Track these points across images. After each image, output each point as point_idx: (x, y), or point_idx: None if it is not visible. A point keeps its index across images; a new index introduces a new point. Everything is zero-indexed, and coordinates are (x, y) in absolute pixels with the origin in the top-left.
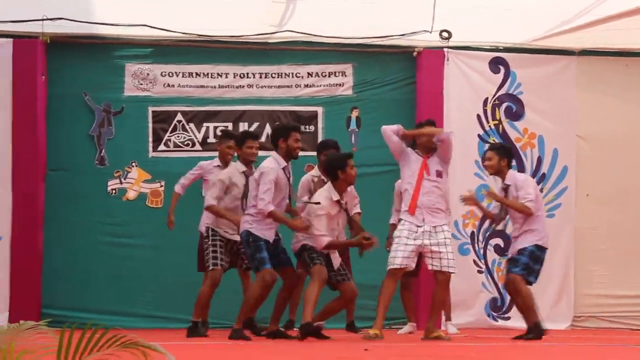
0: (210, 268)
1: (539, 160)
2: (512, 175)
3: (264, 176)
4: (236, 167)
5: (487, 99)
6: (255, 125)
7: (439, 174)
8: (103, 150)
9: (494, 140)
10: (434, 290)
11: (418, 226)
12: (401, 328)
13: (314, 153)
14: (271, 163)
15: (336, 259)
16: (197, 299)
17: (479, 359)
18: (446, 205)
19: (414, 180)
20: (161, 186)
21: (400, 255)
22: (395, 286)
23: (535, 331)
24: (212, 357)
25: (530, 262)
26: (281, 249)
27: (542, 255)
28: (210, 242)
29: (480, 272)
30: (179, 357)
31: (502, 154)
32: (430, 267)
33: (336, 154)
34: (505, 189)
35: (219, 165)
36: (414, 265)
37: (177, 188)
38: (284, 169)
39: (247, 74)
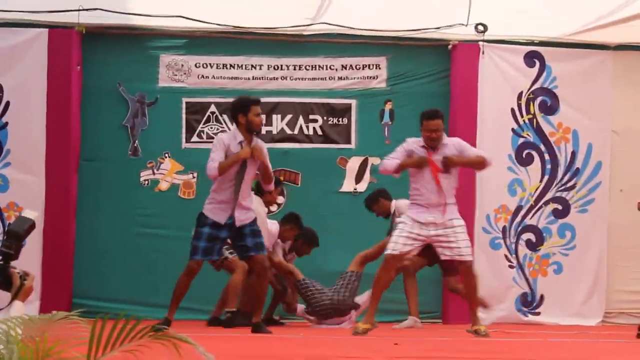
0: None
1: (573, 155)
2: None
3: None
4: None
5: (521, 92)
6: (289, 117)
7: None
8: (136, 141)
9: (528, 135)
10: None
11: None
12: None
13: (348, 145)
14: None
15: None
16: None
17: (512, 354)
18: None
19: None
20: (193, 177)
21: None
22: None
23: None
24: (238, 348)
25: None
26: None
27: None
28: None
29: (511, 267)
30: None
31: None
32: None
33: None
34: None
35: None
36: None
37: None
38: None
39: (281, 65)
